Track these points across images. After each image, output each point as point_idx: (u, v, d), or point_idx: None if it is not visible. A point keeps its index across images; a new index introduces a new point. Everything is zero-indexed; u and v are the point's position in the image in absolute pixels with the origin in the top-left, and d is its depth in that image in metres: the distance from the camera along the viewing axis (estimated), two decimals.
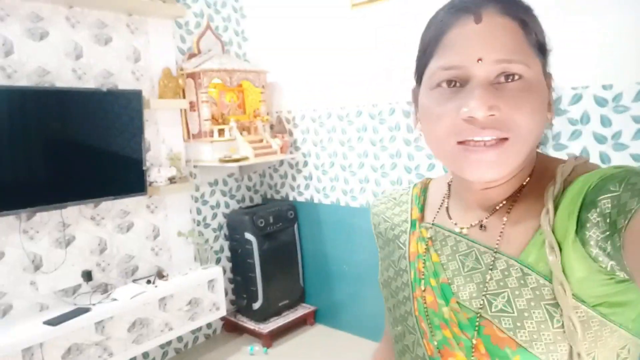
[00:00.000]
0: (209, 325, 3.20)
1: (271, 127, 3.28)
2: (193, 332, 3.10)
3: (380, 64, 2.67)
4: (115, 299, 2.42)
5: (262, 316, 3.10)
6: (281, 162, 3.37)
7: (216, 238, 3.24)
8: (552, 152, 2.16)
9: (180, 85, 2.84)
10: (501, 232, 0.62)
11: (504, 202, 0.64)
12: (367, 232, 2.88)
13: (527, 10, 0.58)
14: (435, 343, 0.64)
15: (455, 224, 0.68)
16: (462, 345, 0.61)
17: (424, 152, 2.58)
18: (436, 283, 0.66)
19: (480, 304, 0.60)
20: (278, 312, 3.18)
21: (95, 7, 2.50)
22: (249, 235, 3.04)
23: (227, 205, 3.31)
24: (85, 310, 2.29)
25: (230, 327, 3.26)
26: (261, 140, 3.04)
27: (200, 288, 2.77)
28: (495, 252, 0.61)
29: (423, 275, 0.68)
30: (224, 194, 3.29)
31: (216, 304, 2.87)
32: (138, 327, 2.47)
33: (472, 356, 0.59)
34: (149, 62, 2.76)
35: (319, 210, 3.19)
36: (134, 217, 2.73)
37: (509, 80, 0.55)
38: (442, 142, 0.59)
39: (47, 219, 2.37)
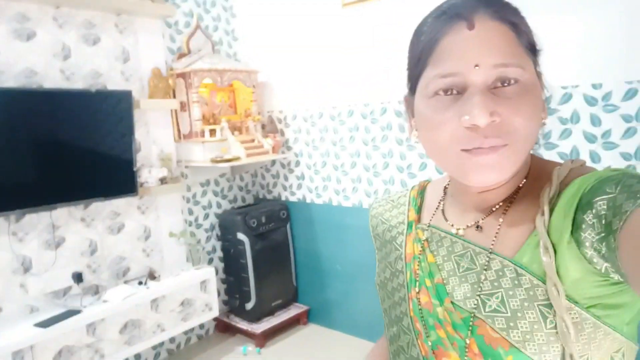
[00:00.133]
0: (201, 326, 3.19)
1: (263, 127, 3.27)
2: (185, 332, 3.08)
3: (372, 63, 2.67)
4: (106, 301, 2.40)
5: (255, 316, 3.09)
6: (273, 162, 3.36)
7: (208, 238, 3.23)
8: (543, 151, 2.18)
9: (170, 85, 2.82)
10: (497, 233, 0.62)
11: (500, 204, 0.64)
12: (359, 231, 2.89)
13: (516, 12, 0.58)
14: (430, 343, 0.64)
15: (452, 225, 0.68)
16: (455, 346, 0.61)
17: (415, 151, 2.59)
18: (431, 283, 0.66)
19: (474, 304, 0.60)
20: (271, 312, 3.18)
21: (83, 7, 2.47)
22: (241, 236, 3.03)
23: (219, 206, 3.30)
24: (76, 312, 2.28)
25: (223, 328, 3.25)
26: (253, 140, 3.03)
27: (192, 289, 2.76)
28: (490, 253, 0.61)
29: (418, 276, 0.68)
30: (215, 194, 3.28)
31: (209, 304, 2.86)
32: (130, 328, 2.46)
33: (466, 356, 0.60)
34: (138, 62, 2.73)
35: (311, 210, 3.19)
36: (124, 218, 2.71)
37: (506, 84, 0.55)
38: (445, 150, 0.59)
39: (37, 221, 2.35)
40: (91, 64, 2.53)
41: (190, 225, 3.11)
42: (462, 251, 0.65)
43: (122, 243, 2.70)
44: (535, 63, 0.60)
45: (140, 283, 2.61)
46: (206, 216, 3.22)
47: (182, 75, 2.85)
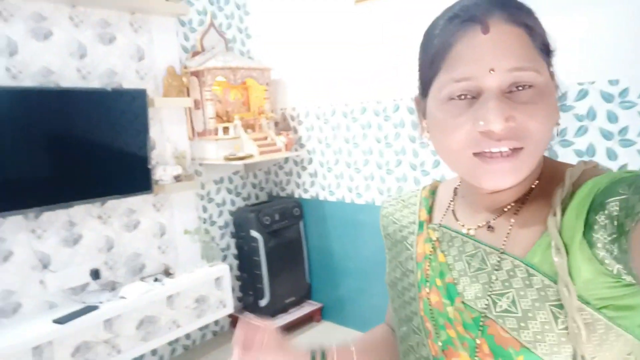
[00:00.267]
0: (216, 322, 3.22)
1: (276, 124, 3.28)
2: (201, 329, 3.11)
3: (384, 60, 2.66)
4: (123, 297, 2.44)
5: (268, 313, 3.11)
6: (286, 160, 3.37)
7: (222, 235, 3.26)
8: (558, 149, 2.15)
9: (184, 83, 2.85)
10: (508, 233, 0.62)
11: (512, 204, 0.64)
12: (372, 228, 2.89)
13: (530, 13, 0.57)
14: (440, 343, 0.65)
15: (463, 225, 0.68)
16: (466, 346, 0.61)
17: (428, 148, 2.58)
18: (442, 283, 0.66)
19: (485, 304, 0.60)
20: (285, 309, 3.19)
21: (99, 6, 2.50)
22: (254, 233, 3.05)
23: (232, 203, 3.32)
24: (94, 308, 2.31)
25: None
26: (266, 138, 3.04)
27: (207, 285, 2.79)
28: (502, 253, 0.61)
29: (429, 275, 0.68)
30: (229, 191, 3.30)
31: (223, 301, 2.88)
32: (146, 324, 2.49)
33: (476, 356, 0.60)
34: (152, 60, 2.76)
35: (324, 208, 3.19)
36: (140, 215, 2.74)
37: (520, 88, 0.55)
38: (458, 154, 0.59)
39: (54, 218, 2.39)
40: (107, 63, 2.57)
41: (204, 222, 3.14)
42: (473, 251, 0.65)
43: (138, 240, 2.74)
44: (549, 64, 0.59)
45: (155, 280, 2.64)
46: (220, 213, 3.24)
47: (196, 74, 2.87)
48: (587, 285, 0.53)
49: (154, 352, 2.85)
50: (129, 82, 2.65)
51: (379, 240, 0.85)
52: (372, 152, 2.84)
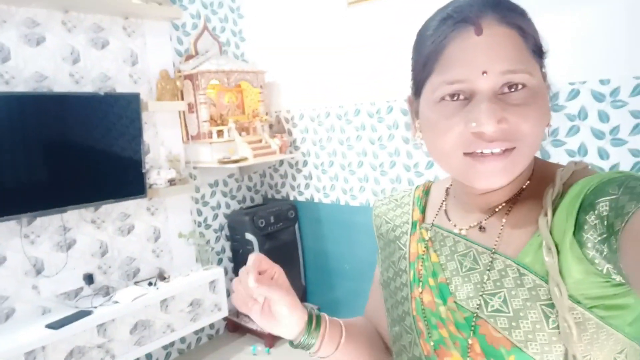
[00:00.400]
0: (211, 326, 3.21)
1: (270, 127, 3.28)
2: (196, 332, 3.10)
3: (377, 61, 2.67)
4: (116, 302, 2.43)
5: None
6: (281, 162, 3.37)
7: (217, 239, 3.25)
8: (550, 149, 2.16)
9: (178, 87, 2.84)
10: (500, 233, 0.63)
11: (503, 205, 0.64)
12: (367, 230, 2.88)
13: (523, 15, 0.58)
14: (432, 343, 0.65)
15: (455, 225, 0.69)
16: (457, 345, 0.61)
17: (422, 149, 2.57)
18: (434, 283, 0.67)
19: (477, 304, 0.60)
20: None
21: (91, 11, 2.50)
22: (249, 236, 3.04)
23: (227, 206, 3.31)
24: (87, 313, 2.30)
25: (233, 327, 3.27)
26: (260, 141, 3.04)
27: (201, 289, 2.78)
28: (493, 253, 0.62)
29: (422, 275, 0.69)
30: (224, 194, 3.30)
31: (218, 304, 2.87)
32: (140, 329, 2.48)
33: (468, 356, 0.60)
34: (146, 64, 2.76)
35: (319, 210, 3.19)
36: (134, 219, 2.73)
37: (513, 90, 0.55)
38: (449, 155, 0.59)
39: (48, 223, 2.38)
40: (100, 67, 2.56)
41: (199, 225, 3.13)
42: (465, 251, 0.65)
43: (132, 244, 2.73)
44: (542, 65, 0.59)
45: (150, 284, 2.63)
46: (215, 217, 3.23)
47: (190, 77, 2.87)
48: (577, 285, 0.54)
49: (148, 356, 2.83)
50: (123, 87, 2.65)
51: (374, 242, 0.86)
52: (367, 153, 2.84)
